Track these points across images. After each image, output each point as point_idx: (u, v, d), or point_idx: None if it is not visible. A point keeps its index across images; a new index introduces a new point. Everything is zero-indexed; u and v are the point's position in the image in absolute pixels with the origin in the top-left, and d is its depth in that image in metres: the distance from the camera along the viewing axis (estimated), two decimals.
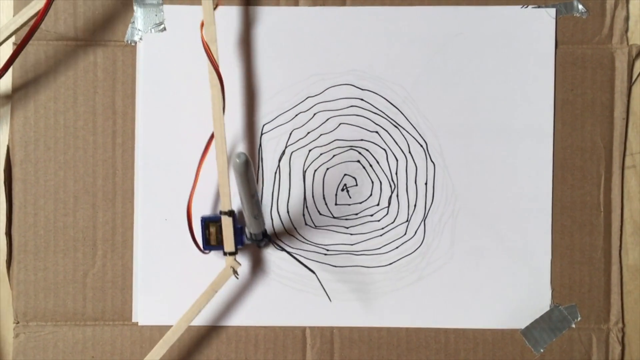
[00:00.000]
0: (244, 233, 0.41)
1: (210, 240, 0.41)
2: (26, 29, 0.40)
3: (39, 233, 0.44)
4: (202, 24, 0.40)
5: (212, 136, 0.41)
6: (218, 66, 0.40)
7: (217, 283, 0.40)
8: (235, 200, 0.40)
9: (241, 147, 0.44)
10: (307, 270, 0.43)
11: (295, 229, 0.44)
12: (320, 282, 0.42)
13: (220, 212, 0.40)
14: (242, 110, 0.44)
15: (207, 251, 0.42)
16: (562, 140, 0.44)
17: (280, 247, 0.43)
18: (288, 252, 0.43)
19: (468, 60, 0.44)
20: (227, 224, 0.40)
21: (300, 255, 0.44)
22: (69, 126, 0.44)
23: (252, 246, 0.43)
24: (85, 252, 0.44)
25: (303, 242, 0.44)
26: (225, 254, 0.41)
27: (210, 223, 0.41)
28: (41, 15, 0.40)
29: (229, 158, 0.40)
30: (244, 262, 0.44)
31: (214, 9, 0.40)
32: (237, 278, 0.42)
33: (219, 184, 0.40)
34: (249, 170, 0.33)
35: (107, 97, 0.44)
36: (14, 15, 0.43)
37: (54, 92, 0.44)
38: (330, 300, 0.43)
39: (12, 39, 0.43)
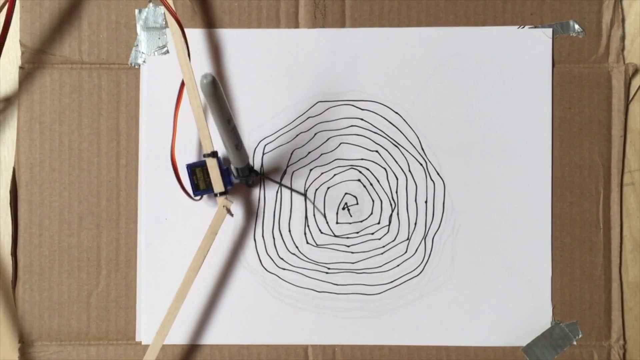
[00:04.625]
0: (231, 173, 0.42)
1: (199, 185, 0.42)
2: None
3: (44, 253, 0.44)
4: None
5: (182, 83, 0.41)
6: (175, 12, 0.41)
7: (214, 225, 0.41)
8: (218, 144, 0.40)
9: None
10: (308, 290, 0.44)
11: (297, 247, 0.44)
12: (312, 201, 0.43)
13: (204, 155, 0.41)
14: (244, 130, 0.44)
15: (197, 197, 0.42)
16: (561, 158, 0.44)
17: (268, 178, 0.43)
18: (277, 182, 0.43)
19: (466, 79, 0.44)
20: (212, 165, 0.41)
21: (302, 275, 0.44)
22: (73, 148, 0.44)
23: (251, 264, 0.44)
24: (90, 272, 0.44)
25: (305, 260, 0.44)
26: (216, 195, 0.41)
27: (196, 168, 0.42)
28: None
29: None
30: (246, 273, 0.44)
31: None
32: (232, 216, 0.42)
33: (197, 127, 0.40)
34: (217, 90, 0.32)
35: (112, 119, 0.44)
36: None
37: (59, 114, 0.44)
38: (311, 201, 0.43)
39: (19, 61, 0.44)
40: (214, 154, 0.41)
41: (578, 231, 0.44)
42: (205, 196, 0.43)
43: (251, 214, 0.44)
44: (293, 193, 0.44)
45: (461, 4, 0.44)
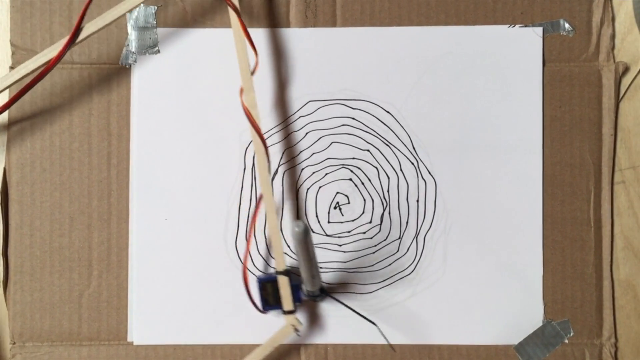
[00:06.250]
0: (300, 289, 0.42)
1: (269, 300, 0.42)
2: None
3: (35, 254, 0.44)
4: (242, 90, 0.41)
5: (260, 198, 0.41)
6: (260, 130, 0.40)
7: (276, 339, 0.41)
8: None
9: (235, 166, 0.44)
10: None
11: (288, 247, 0.44)
12: (382, 333, 0.42)
13: (276, 272, 0.41)
14: (235, 130, 0.44)
15: (266, 311, 0.42)
16: (552, 156, 0.44)
17: (337, 300, 0.43)
18: (346, 306, 0.43)
19: (457, 78, 0.44)
20: (284, 283, 0.41)
21: (294, 274, 0.44)
22: (64, 148, 0.44)
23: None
24: (81, 272, 0.44)
25: (296, 260, 0.44)
26: (284, 312, 0.41)
27: (267, 283, 0.42)
28: (38, 77, 0.40)
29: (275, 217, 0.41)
30: (239, 273, 0.44)
31: (252, 74, 0.41)
32: (299, 336, 0.43)
33: (272, 245, 0.41)
34: (308, 236, 0.33)
35: (102, 118, 0.44)
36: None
37: (49, 114, 0.44)
38: (394, 350, 0.43)
39: None
40: (286, 272, 0.41)
41: (569, 229, 0.44)
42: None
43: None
44: (284, 195, 0.44)
45: (452, 3, 0.44)
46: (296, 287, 0.41)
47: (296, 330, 0.41)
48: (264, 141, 0.41)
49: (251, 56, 0.42)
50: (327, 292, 0.43)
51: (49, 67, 0.40)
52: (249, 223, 0.44)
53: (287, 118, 0.44)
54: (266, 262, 0.44)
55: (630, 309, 0.44)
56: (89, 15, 0.44)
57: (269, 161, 0.41)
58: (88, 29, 0.41)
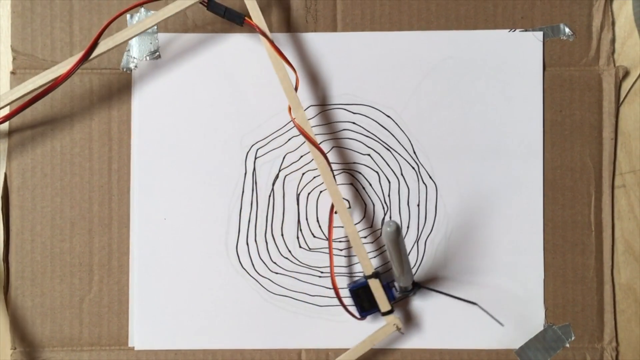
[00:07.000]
0: (391, 288, 0.42)
1: (364, 306, 0.42)
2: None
3: (36, 259, 0.44)
4: (290, 108, 0.41)
5: (332, 209, 0.41)
6: (317, 143, 0.41)
7: (376, 337, 0.41)
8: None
9: (236, 171, 0.44)
10: (301, 293, 0.44)
11: (289, 251, 0.44)
12: (485, 310, 0.43)
13: (365, 277, 0.41)
14: (236, 135, 0.44)
15: (364, 317, 0.42)
16: (552, 160, 0.44)
17: (432, 289, 0.43)
18: (443, 292, 0.43)
19: (458, 83, 0.44)
20: (376, 286, 0.41)
21: (295, 279, 0.44)
22: (65, 153, 0.44)
23: (244, 268, 0.44)
24: (82, 277, 0.44)
25: (298, 264, 0.44)
26: (382, 314, 0.41)
27: (359, 290, 0.42)
28: (43, 92, 0.41)
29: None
30: (239, 278, 0.44)
31: (296, 90, 0.41)
32: (402, 333, 0.43)
33: (355, 250, 0.41)
34: (400, 235, 0.34)
35: (103, 123, 0.44)
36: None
37: (50, 119, 0.44)
38: (502, 324, 0.43)
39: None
40: (376, 275, 0.41)
41: (570, 234, 0.44)
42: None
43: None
44: (286, 199, 0.44)
45: (452, 8, 0.45)
46: (387, 287, 0.41)
47: (399, 329, 0.41)
48: (324, 154, 0.41)
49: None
50: (420, 284, 0.43)
51: (55, 83, 0.40)
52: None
53: (287, 122, 0.44)
54: (269, 261, 0.44)
55: (631, 312, 0.44)
56: (87, 18, 0.45)
57: (332, 171, 0.41)
58: (99, 48, 0.41)
